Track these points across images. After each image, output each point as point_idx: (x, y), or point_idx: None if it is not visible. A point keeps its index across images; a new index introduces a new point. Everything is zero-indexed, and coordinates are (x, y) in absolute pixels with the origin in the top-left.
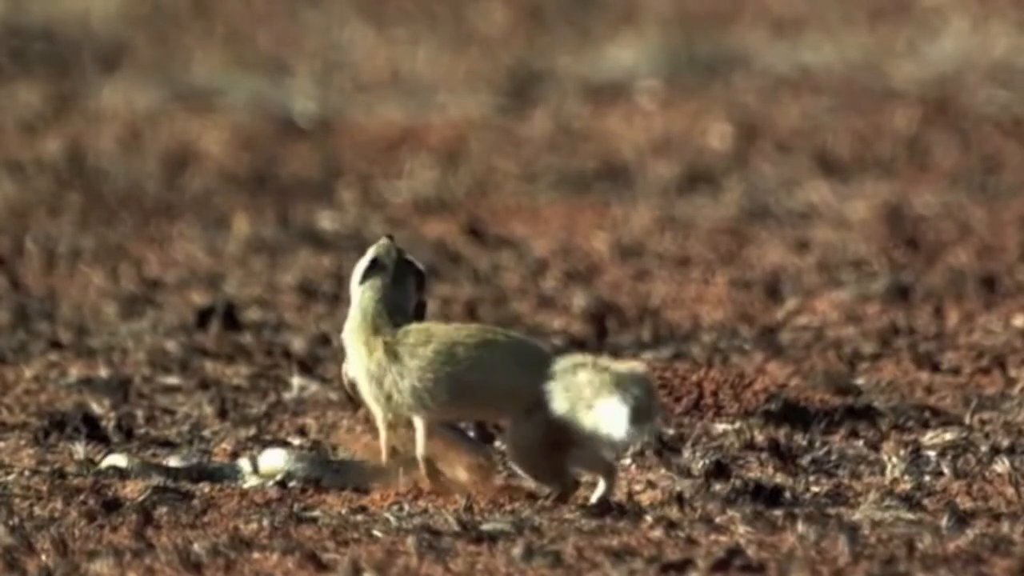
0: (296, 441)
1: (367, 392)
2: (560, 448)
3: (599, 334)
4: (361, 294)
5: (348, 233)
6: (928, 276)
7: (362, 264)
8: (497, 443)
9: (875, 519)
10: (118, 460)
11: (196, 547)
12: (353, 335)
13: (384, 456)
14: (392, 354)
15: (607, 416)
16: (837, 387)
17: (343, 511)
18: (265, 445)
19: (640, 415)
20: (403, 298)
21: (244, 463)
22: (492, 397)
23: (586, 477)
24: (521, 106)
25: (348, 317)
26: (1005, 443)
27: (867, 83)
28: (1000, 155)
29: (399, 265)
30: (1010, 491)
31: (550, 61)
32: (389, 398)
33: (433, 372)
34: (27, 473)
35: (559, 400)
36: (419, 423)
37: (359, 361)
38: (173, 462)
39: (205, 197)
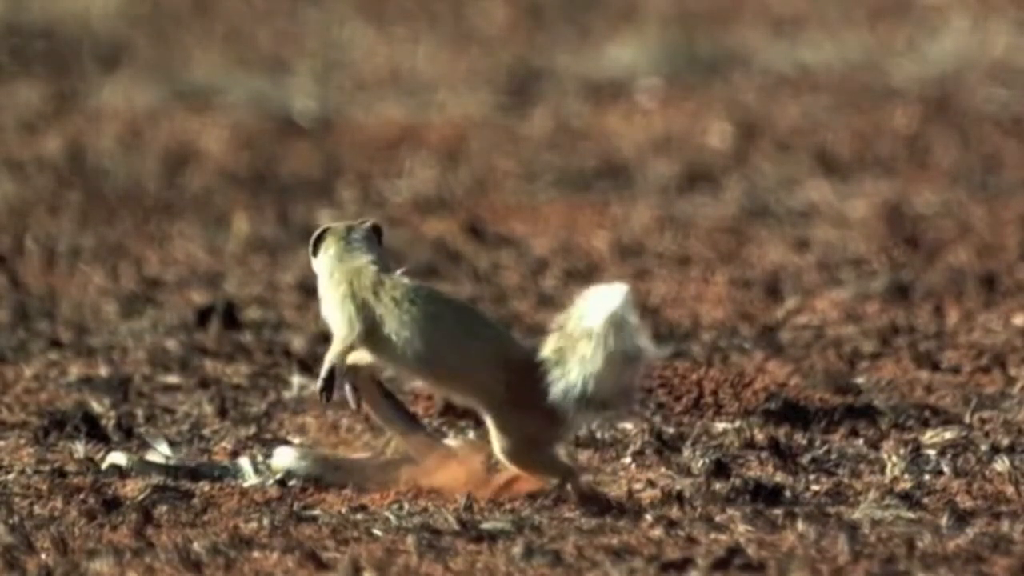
0: (296, 440)
1: (343, 312)
2: (545, 441)
3: None
4: (324, 255)
5: None
6: (928, 275)
7: (312, 238)
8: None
9: (875, 518)
10: (118, 458)
11: (196, 546)
12: (332, 283)
13: (323, 372)
14: (376, 295)
15: (600, 294)
16: (837, 386)
17: (343, 510)
18: (271, 444)
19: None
20: (369, 245)
21: (244, 461)
22: (461, 381)
23: (586, 474)
24: (521, 105)
25: (320, 288)
26: (1005, 442)
27: (867, 82)
28: (1000, 154)
29: (348, 227)
30: (1010, 490)
31: (550, 60)
32: (365, 326)
33: (409, 332)
34: (27, 472)
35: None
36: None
37: (340, 296)
38: (153, 457)
39: (205, 196)
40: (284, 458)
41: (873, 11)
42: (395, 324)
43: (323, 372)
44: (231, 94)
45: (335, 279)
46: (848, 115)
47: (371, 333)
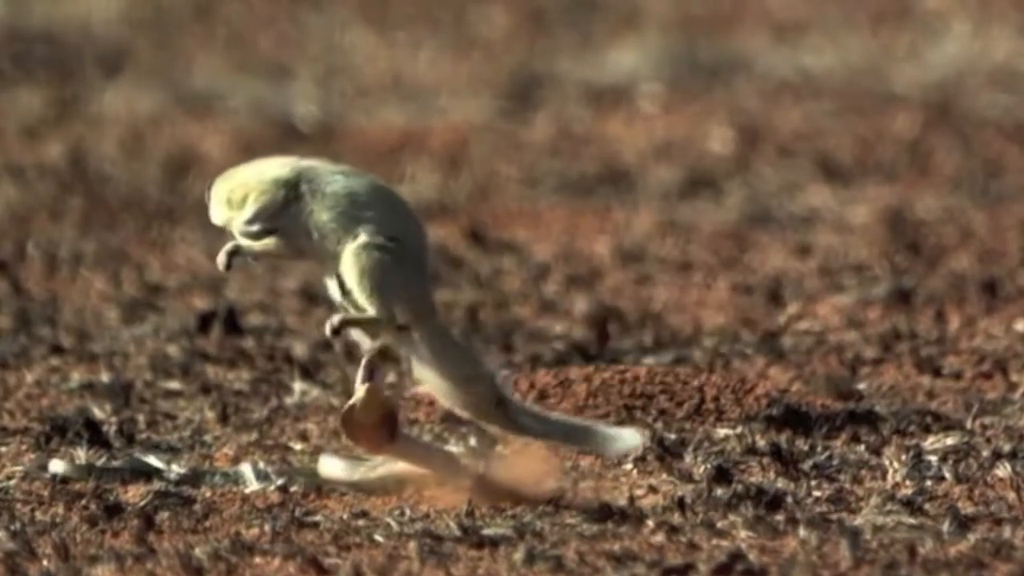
0: (298, 447)
1: (273, 177)
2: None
3: (600, 339)
4: (219, 196)
5: None
6: (929, 280)
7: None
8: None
9: (877, 524)
10: (56, 466)
11: (197, 552)
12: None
13: (225, 252)
14: (328, 177)
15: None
16: (838, 392)
17: (344, 516)
18: (272, 450)
19: None
20: None
21: (246, 467)
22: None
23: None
24: (523, 110)
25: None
26: (1007, 448)
27: (868, 87)
28: (1002, 159)
29: None
30: (1012, 496)
31: (551, 65)
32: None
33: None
34: (28, 478)
35: None
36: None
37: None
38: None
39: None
40: (330, 467)
41: (875, 16)
42: (322, 210)
43: (225, 252)
44: (232, 99)
45: (272, 190)
46: (850, 120)
47: (300, 202)
